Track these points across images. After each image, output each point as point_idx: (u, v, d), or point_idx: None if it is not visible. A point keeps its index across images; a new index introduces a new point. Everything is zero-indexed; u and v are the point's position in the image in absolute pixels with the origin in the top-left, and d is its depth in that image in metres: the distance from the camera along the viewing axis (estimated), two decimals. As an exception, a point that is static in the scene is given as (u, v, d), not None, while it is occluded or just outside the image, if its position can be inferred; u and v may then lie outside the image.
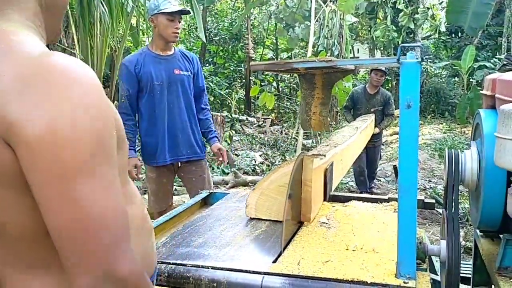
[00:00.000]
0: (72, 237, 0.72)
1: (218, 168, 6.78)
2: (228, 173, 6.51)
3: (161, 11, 2.93)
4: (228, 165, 6.75)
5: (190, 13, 3.11)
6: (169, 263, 1.57)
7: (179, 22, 3.02)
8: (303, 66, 1.53)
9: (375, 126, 5.24)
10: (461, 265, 1.88)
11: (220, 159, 3.29)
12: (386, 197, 2.25)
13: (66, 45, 8.18)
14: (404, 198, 1.40)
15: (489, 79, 1.85)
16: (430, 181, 6.79)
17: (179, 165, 3.26)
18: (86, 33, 4.29)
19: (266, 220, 1.94)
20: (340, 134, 2.92)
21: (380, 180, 6.76)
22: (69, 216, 0.71)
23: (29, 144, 0.69)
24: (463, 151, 1.85)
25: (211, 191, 2.58)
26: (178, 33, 3.03)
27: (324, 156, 1.94)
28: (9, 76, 0.71)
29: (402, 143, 1.42)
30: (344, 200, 2.24)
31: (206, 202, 2.44)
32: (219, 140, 3.41)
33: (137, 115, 3.14)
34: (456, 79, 15.19)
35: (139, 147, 3.51)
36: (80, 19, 4.23)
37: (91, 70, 0.78)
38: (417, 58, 1.36)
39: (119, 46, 4.98)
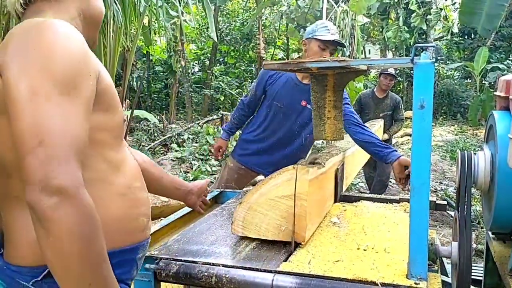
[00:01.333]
0: (19, 149, 0.84)
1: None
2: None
3: (315, 37, 2.73)
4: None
5: (344, 46, 2.87)
6: (180, 260, 1.59)
7: (331, 54, 2.77)
8: (316, 65, 1.53)
9: (384, 131, 5.10)
10: (473, 268, 1.87)
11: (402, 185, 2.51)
12: (397, 197, 2.25)
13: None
14: (416, 198, 1.40)
15: (503, 81, 1.84)
16: (441, 183, 6.75)
17: (256, 175, 3.21)
18: (99, 32, 4.33)
19: (254, 239, 1.73)
20: (345, 140, 2.71)
21: (391, 181, 6.73)
22: (19, 128, 0.84)
23: (7, 79, 0.87)
24: (475, 153, 1.84)
25: (221, 189, 2.59)
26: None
27: (323, 165, 1.84)
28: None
29: (415, 144, 1.42)
30: (354, 200, 2.24)
31: (216, 201, 2.45)
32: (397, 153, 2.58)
33: (256, 112, 3.09)
34: (469, 80, 15.07)
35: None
36: (94, 18, 4.27)
37: (75, 30, 0.97)
38: (431, 58, 1.36)
39: (131, 46, 5.02)
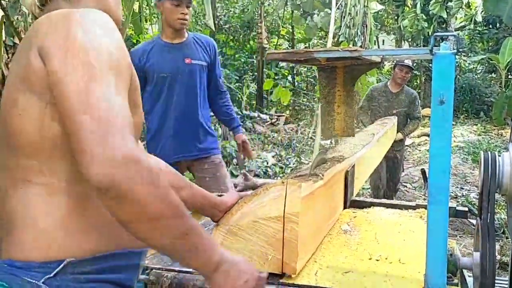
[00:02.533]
0: (74, 128, 0.91)
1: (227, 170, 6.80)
2: (237, 176, 6.53)
3: None
4: (237, 166, 6.78)
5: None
6: (174, 271, 1.59)
7: (187, 7, 3.01)
8: (325, 56, 1.53)
9: (398, 131, 4.92)
10: (497, 282, 1.87)
11: (242, 155, 3.33)
12: (413, 203, 2.25)
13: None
14: (434, 204, 1.40)
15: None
16: (462, 188, 6.76)
17: (190, 164, 3.26)
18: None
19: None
20: (350, 143, 2.63)
21: (406, 186, 6.75)
22: (74, 108, 0.91)
23: (53, 61, 0.96)
24: (500, 154, 1.84)
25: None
26: (185, 19, 3.02)
27: (322, 176, 1.72)
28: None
29: (433, 144, 1.42)
30: (366, 205, 2.24)
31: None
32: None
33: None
34: (493, 75, 15.05)
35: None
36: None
37: (106, 16, 1.06)
38: (451, 49, 1.36)
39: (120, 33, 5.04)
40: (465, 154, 8.78)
